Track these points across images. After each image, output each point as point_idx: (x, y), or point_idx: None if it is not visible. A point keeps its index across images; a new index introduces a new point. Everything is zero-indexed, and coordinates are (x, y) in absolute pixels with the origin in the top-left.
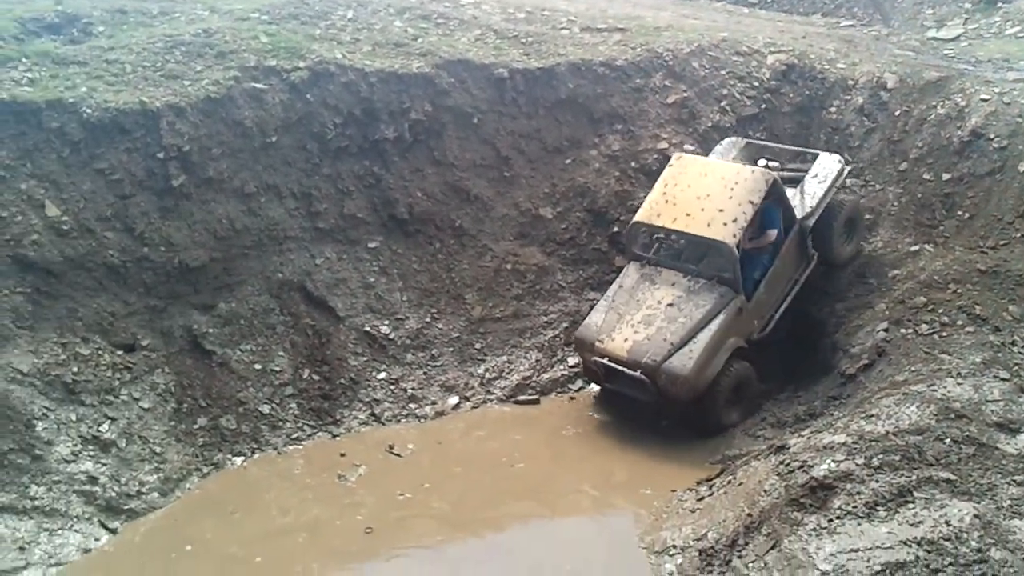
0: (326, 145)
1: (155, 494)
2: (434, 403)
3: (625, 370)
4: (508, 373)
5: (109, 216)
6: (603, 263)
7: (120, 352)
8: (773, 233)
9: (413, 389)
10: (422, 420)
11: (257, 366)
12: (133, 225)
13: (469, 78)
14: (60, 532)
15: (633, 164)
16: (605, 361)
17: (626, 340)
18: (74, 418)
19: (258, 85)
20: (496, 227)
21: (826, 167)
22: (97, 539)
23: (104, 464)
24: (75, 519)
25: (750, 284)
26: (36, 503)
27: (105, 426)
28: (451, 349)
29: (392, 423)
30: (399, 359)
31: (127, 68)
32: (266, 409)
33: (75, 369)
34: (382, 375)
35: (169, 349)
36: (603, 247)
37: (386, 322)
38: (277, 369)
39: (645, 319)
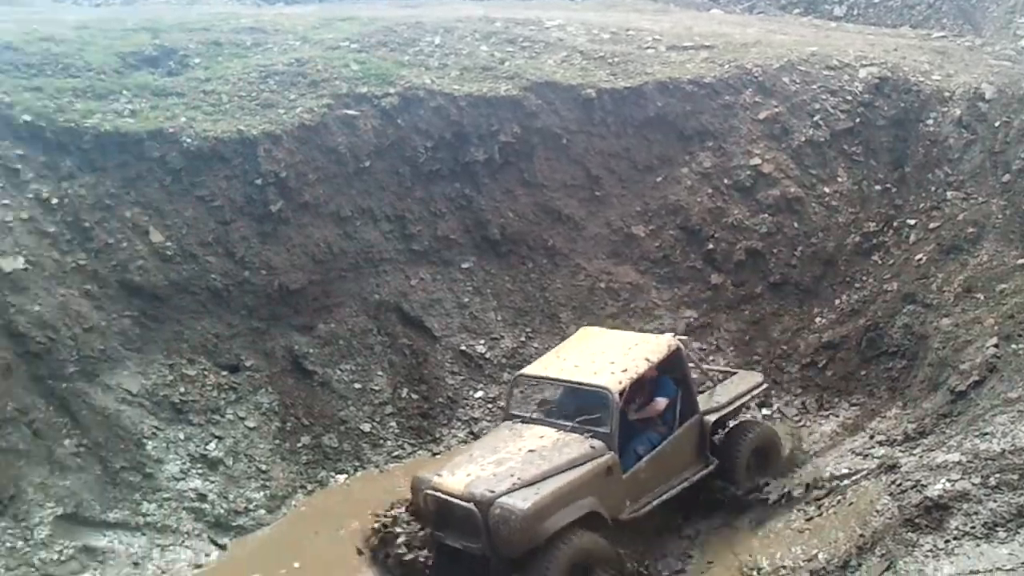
0: (418, 168)
1: (262, 511)
2: None
3: (456, 502)
4: None
5: (211, 241)
6: (698, 280)
7: (225, 372)
8: (663, 402)
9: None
10: None
11: (357, 385)
12: (234, 249)
13: (557, 99)
14: (172, 548)
15: (726, 181)
16: (438, 494)
17: (468, 475)
18: (182, 437)
19: (350, 112)
20: (588, 246)
21: (745, 380)
22: (207, 555)
23: (212, 482)
24: (186, 535)
25: (631, 458)
26: (148, 519)
27: (212, 445)
28: None
29: None
30: (495, 378)
31: (223, 98)
32: (367, 428)
33: (182, 389)
34: (479, 393)
35: (272, 369)
36: (697, 264)
37: (481, 341)
38: (376, 388)
39: (498, 460)
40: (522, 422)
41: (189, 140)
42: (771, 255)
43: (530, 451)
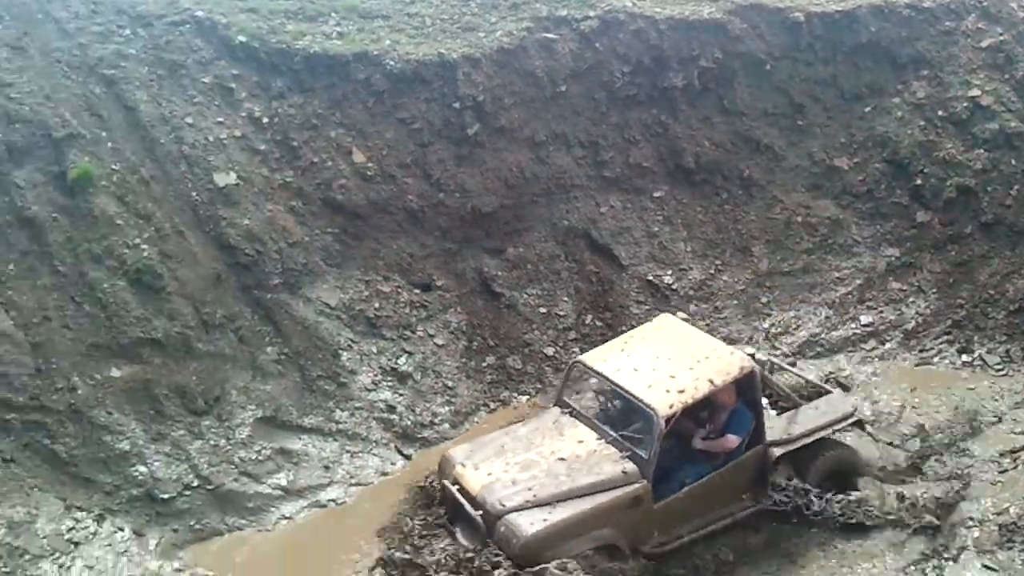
0: (614, 94)
1: (446, 425)
2: None
3: (466, 506)
4: (795, 329)
5: (409, 163)
6: (902, 217)
7: (417, 291)
8: (734, 441)
9: None
10: None
11: (542, 309)
12: (431, 171)
13: (762, 23)
14: (360, 455)
15: (940, 112)
16: (455, 490)
17: (489, 475)
18: (375, 350)
19: (549, 35)
20: (787, 178)
21: (834, 407)
22: (393, 463)
23: (401, 395)
24: (374, 444)
25: (674, 484)
26: (340, 427)
27: (403, 359)
28: (735, 302)
29: None
30: (681, 309)
31: (427, 21)
32: (550, 352)
33: (377, 305)
34: None
35: (461, 290)
36: (903, 200)
37: (669, 272)
38: (561, 313)
39: (525, 463)
40: (570, 414)
41: (392, 63)
42: (984, 193)
43: (560, 459)
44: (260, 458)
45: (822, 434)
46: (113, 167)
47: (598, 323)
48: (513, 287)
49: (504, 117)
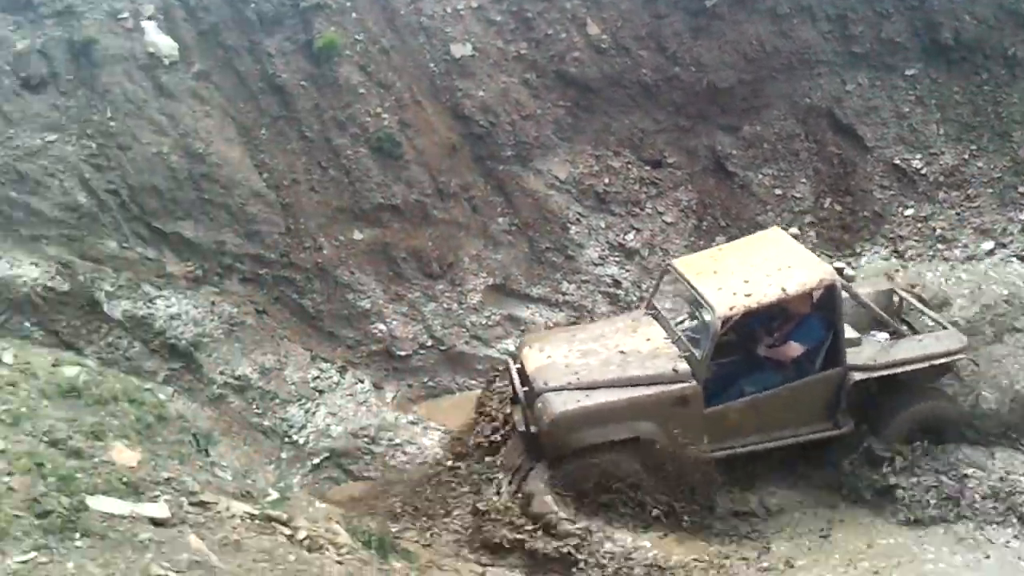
0: None
1: None
2: (965, 246)
3: (515, 383)
4: None
5: (644, 35)
6: None
7: (647, 167)
8: (796, 348)
9: (943, 229)
10: (950, 263)
11: (778, 191)
12: (666, 44)
13: None
14: None
15: None
16: (515, 368)
17: (548, 358)
18: (603, 225)
19: None
20: None
21: (941, 342)
22: None
23: (627, 270)
24: (599, 316)
25: (734, 392)
26: (566, 298)
27: (630, 235)
28: (990, 191)
29: (915, 262)
30: (930, 196)
31: None
32: None
33: (606, 180)
34: (909, 211)
35: (693, 168)
36: None
37: (918, 156)
38: (798, 196)
39: (585, 351)
40: (653, 316)
41: None
42: None
43: (621, 352)
44: (489, 323)
45: (915, 367)
46: (356, 37)
47: (837, 207)
48: (747, 166)
49: None
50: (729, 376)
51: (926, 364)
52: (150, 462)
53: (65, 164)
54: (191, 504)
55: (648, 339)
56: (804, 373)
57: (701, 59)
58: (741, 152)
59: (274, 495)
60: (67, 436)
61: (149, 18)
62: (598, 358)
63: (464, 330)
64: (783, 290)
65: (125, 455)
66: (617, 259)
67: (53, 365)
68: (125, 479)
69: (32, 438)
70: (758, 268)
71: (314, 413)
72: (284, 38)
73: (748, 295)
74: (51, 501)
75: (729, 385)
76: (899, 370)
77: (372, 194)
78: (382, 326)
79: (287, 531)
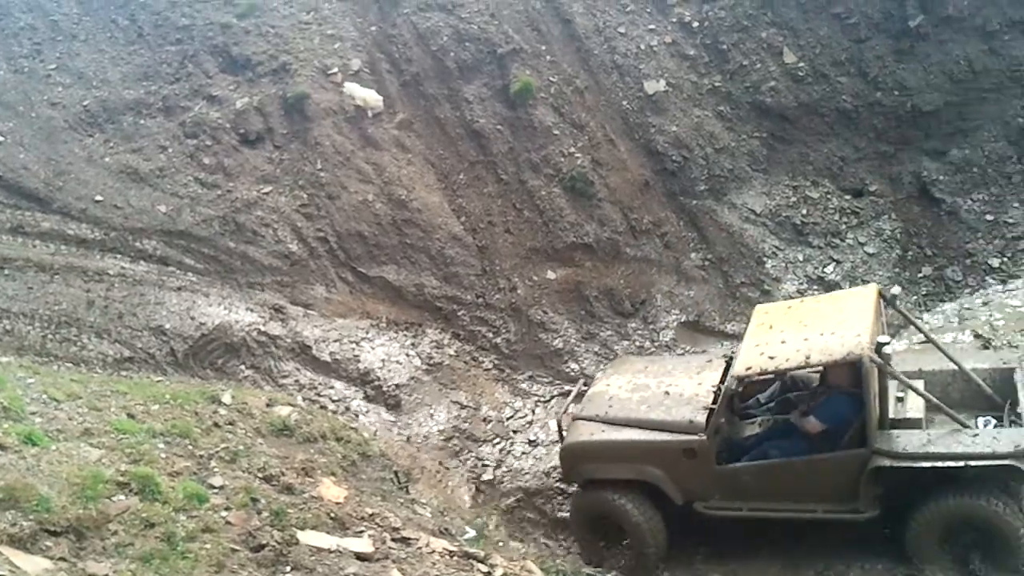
0: None
1: None
2: None
3: (568, 406)
4: None
5: (843, 60)
6: None
7: (848, 196)
8: (815, 425)
9: None
10: None
11: (989, 216)
12: (867, 69)
13: None
14: None
15: None
16: (579, 389)
17: (607, 385)
18: (801, 258)
19: None
20: None
21: (1000, 439)
22: None
23: None
24: None
25: (757, 454)
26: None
27: (830, 268)
28: None
29: None
30: None
31: None
32: (995, 263)
33: (804, 211)
34: None
35: (897, 195)
36: None
37: None
38: (1011, 221)
39: (638, 387)
40: (727, 360)
41: None
42: None
43: (666, 392)
44: None
45: (949, 465)
46: (551, 79)
47: None
48: (956, 192)
49: (951, 5)
50: (758, 438)
51: (961, 464)
52: (355, 498)
53: (279, 214)
54: (393, 540)
55: (700, 383)
56: (828, 448)
57: (905, 82)
58: (948, 177)
59: (471, 532)
60: (280, 472)
61: (356, 72)
62: (642, 394)
63: None
64: (807, 358)
65: (332, 491)
66: (816, 293)
67: (267, 405)
68: (332, 514)
69: (248, 474)
70: (809, 328)
71: (508, 452)
72: (481, 84)
73: (772, 357)
74: (265, 535)
75: (754, 446)
76: (925, 464)
77: (565, 233)
78: (575, 364)
79: (484, 568)
